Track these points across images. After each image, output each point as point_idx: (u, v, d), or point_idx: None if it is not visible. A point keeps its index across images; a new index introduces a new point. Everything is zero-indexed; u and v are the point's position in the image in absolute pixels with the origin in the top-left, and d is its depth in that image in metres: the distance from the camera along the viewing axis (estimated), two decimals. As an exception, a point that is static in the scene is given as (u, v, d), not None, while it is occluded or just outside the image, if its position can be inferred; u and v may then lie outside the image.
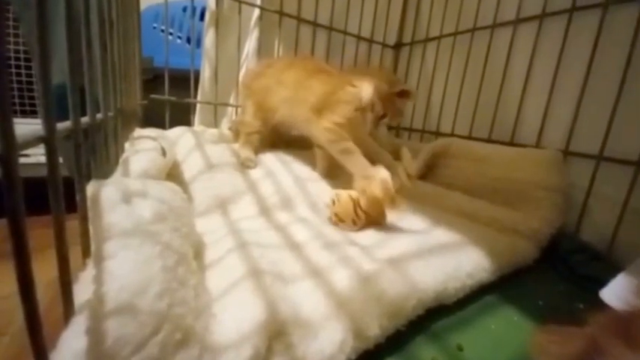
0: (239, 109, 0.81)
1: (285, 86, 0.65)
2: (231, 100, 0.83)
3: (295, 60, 0.71)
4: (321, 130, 0.59)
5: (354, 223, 0.48)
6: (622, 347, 0.20)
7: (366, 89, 0.57)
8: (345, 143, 0.57)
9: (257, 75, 0.71)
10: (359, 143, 0.58)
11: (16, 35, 1.20)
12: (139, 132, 0.55)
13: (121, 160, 0.42)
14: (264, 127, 0.70)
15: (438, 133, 0.88)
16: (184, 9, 1.13)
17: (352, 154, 0.56)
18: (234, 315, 0.26)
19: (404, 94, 0.57)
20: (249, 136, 0.68)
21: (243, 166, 0.62)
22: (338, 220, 0.49)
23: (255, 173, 0.61)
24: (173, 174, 0.53)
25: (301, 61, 0.70)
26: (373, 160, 0.77)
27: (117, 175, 0.37)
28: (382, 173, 0.49)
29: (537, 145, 0.64)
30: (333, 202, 0.50)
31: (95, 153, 0.34)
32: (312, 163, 0.68)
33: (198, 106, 0.80)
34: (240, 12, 0.76)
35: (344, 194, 0.50)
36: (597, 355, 0.21)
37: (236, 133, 0.73)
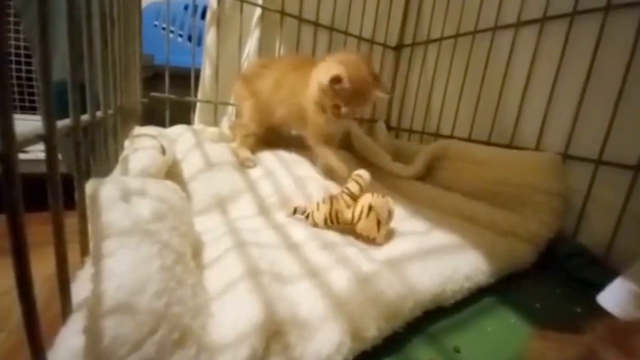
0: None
1: (282, 87, 0.67)
2: (232, 99, 0.82)
3: (294, 60, 0.71)
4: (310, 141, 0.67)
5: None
6: (619, 357, 0.20)
7: (312, 88, 0.61)
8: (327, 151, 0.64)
9: (255, 76, 0.71)
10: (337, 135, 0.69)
11: (16, 31, 1.20)
12: (138, 130, 0.55)
13: (120, 158, 0.42)
14: (261, 128, 0.70)
15: (437, 135, 0.89)
16: (185, 7, 1.13)
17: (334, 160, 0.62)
18: (231, 315, 0.26)
19: (335, 81, 0.56)
20: (245, 138, 0.68)
21: (243, 165, 0.62)
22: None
23: (254, 172, 0.61)
24: (172, 172, 0.52)
25: (300, 61, 0.69)
26: (371, 161, 0.78)
27: (116, 174, 0.37)
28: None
29: (537, 148, 0.64)
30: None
31: (95, 151, 0.34)
32: (311, 162, 0.68)
33: (198, 104, 0.80)
34: (241, 11, 0.76)
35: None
36: None
37: (234, 134, 0.73)
